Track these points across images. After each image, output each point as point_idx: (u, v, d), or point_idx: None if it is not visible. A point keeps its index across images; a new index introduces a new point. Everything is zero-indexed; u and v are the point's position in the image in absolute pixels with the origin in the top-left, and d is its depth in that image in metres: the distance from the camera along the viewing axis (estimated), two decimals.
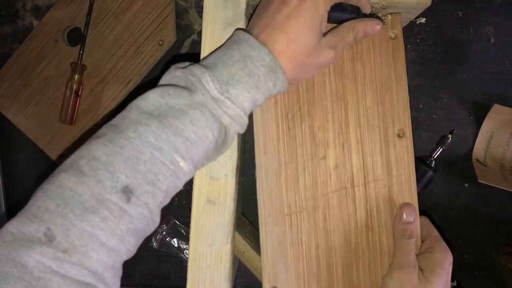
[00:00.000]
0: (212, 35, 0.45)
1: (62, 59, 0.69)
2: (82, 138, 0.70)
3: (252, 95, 0.39)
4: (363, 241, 0.47)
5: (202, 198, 0.45)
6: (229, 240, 0.45)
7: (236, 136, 0.45)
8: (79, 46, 0.68)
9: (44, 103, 0.70)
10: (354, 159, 0.48)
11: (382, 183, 0.48)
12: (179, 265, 0.70)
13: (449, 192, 0.66)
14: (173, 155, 0.36)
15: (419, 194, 0.60)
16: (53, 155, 0.71)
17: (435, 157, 0.62)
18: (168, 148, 0.36)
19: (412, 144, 0.48)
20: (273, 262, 0.47)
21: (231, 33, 0.45)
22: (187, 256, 0.58)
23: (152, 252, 0.70)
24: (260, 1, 0.45)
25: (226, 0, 0.46)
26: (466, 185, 0.66)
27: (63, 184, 0.34)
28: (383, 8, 0.48)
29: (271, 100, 0.48)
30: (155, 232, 0.69)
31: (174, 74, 0.40)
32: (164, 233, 0.70)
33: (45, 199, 0.33)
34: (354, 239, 0.47)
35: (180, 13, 0.69)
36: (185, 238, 0.70)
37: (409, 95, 0.65)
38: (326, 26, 0.43)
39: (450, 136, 0.63)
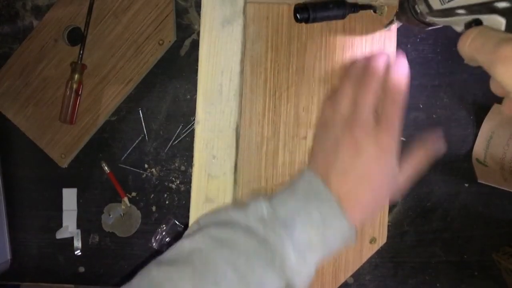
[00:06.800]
0: (210, 33, 0.45)
1: (62, 59, 0.69)
2: (82, 138, 0.70)
3: (323, 257, 0.41)
4: None
5: (201, 197, 0.46)
6: None
7: (234, 134, 0.45)
8: (79, 46, 0.68)
9: (44, 103, 0.70)
10: None
11: None
12: None
13: (449, 192, 0.66)
14: None
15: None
16: (53, 155, 0.71)
17: None
18: None
19: None
20: None
21: (228, 31, 0.45)
22: None
23: (152, 252, 0.70)
24: (319, 135, 0.46)
25: None
26: (466, 185, 0.65)
27: None
28: (381, 6, 0.48)
29: (261, 78, 0.50)
30: (155, 232, 0.69)
31: (258, 228, 0.41)
32: (164, 233, 0.69)
33: None
34: None
35: (180, 13, 0.69)
36: None
37: (409, 95, 0.65)
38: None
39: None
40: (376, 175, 0.42)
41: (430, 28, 0.40)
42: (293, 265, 0.40)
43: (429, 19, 0.37)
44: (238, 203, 0.44)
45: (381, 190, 0.42)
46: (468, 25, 0.32)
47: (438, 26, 0.39)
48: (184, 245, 0.41)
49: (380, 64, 0.45)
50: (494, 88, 0.32)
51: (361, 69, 0.46)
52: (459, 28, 0.34)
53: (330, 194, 0.41)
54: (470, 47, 0.30)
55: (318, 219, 0.40)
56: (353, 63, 0.48)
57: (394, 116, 0.43)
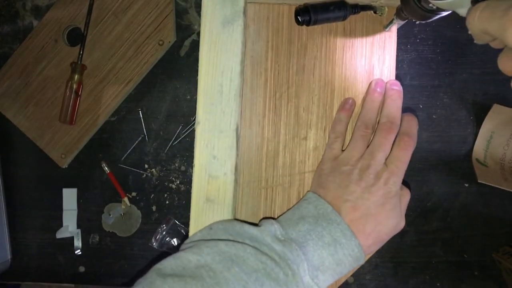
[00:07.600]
0: (210, 33, 0.45)
1: (62, 59, 0.69)
2: (82, 138, 0.70)
3: (335, 278, 0.43)
4: None
5: (201, 197, 0.46)
6: None
7: (235, 134, 0.45)
8: (79, 46, 0.68)
9: (44, 103, 0.70)
10: None
11: None
12: None
13: (449, 192, 0.66)
14: None
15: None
16: (53, 155, 0.71)
17: None
18: None
19: None
20: None
21: (229, 31, 0.45)
22: None
23: (152, 252, 0.70)
24: (331, 167, 0.48)
25: None
26: (466, 185, 0.65)
27: None
28: (382, 6, 0.48)
29: (261, 78, 0.50)
30: (155, 232, 0.69)
31: (273, 246, 0.42)
32: (164, 233, 0.69)
33: None
34: None
35: (180, 13, 0.69)
36: (185, 238, 0.70)
37: (409, 95, 0.65)
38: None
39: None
40: (381, 214, 0.45)
41: (433, 18, 0.40)
42: (307, 280, 0.41)
43: (433, 2, 0.37)
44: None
45: (384, 228, 0.45)
46: (475, 1, 0.32)
47: (441, 15, 0.39)
48: (189, 257, 0.41)
49: (399, 115, 0.49)
50: (503, 64, 0.31)
51: (384, 118, 0.49)
52: (463, 11, 0.34)
53: (339, 217, 0.43)
54: (479, 19, 0.30)
55: (329, 240, 0.42)
56: (370, 104, 0.50)
57: (402, 162, 0.46)
